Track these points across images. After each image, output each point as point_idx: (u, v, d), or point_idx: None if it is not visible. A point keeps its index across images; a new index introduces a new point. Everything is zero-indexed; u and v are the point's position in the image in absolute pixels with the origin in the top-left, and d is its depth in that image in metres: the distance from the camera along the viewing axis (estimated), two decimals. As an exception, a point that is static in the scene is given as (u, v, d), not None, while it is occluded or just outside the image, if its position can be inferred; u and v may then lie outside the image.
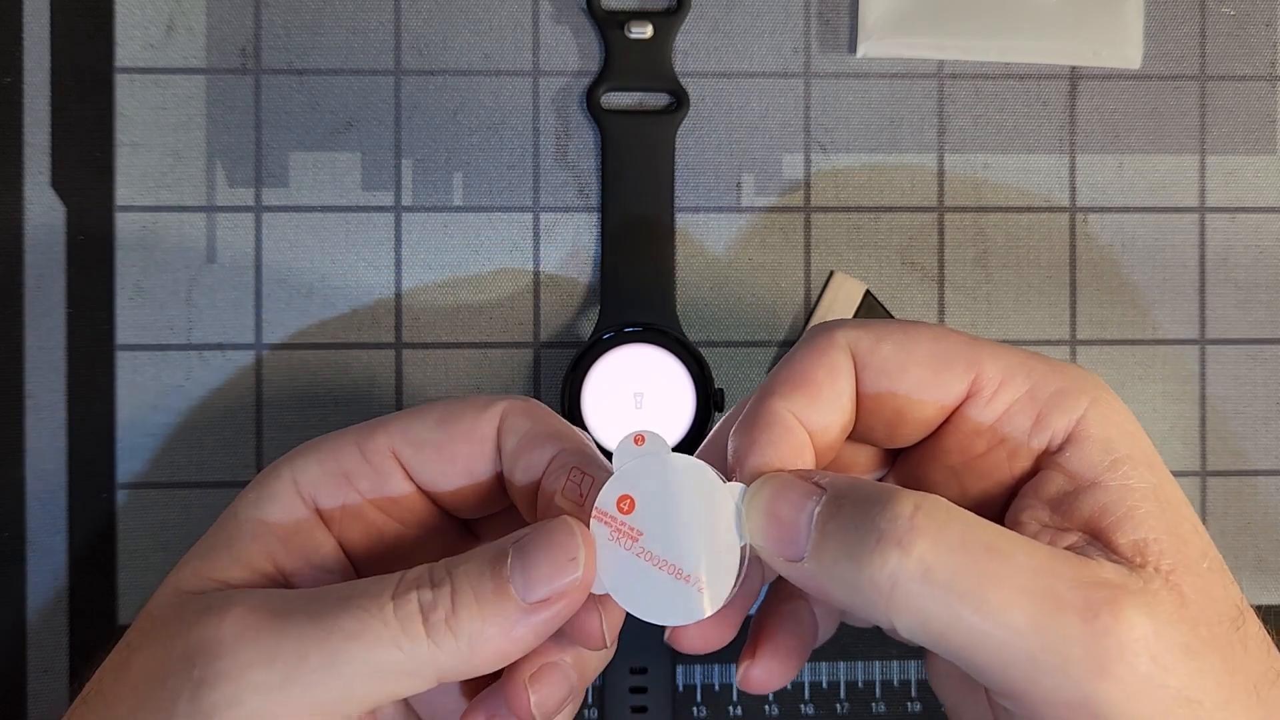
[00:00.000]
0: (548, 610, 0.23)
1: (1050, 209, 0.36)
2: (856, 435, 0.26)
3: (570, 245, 0.35)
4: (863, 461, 0.27)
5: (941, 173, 0.36)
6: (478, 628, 0.23)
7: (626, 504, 0.23)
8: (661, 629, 0.24)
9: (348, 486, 0.27)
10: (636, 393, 0.32)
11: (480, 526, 0.28)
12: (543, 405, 0.27)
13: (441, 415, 0.27)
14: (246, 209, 0.35)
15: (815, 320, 0.29)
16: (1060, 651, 0.21)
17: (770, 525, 0.23)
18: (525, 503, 0.26)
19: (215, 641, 0.23)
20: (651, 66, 0.35)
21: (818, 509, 0.23)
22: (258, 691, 0.22)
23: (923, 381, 0.25)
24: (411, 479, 0.27)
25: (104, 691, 0.24)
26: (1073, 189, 0.36)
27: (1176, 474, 0.36)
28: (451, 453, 0.26)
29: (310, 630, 0.23)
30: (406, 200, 0.35)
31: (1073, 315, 0.36)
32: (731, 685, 0.35)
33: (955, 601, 0.21)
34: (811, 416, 0.25)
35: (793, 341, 0.35)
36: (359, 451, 0.27)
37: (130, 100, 0.34)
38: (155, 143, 0.34)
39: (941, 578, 0.21)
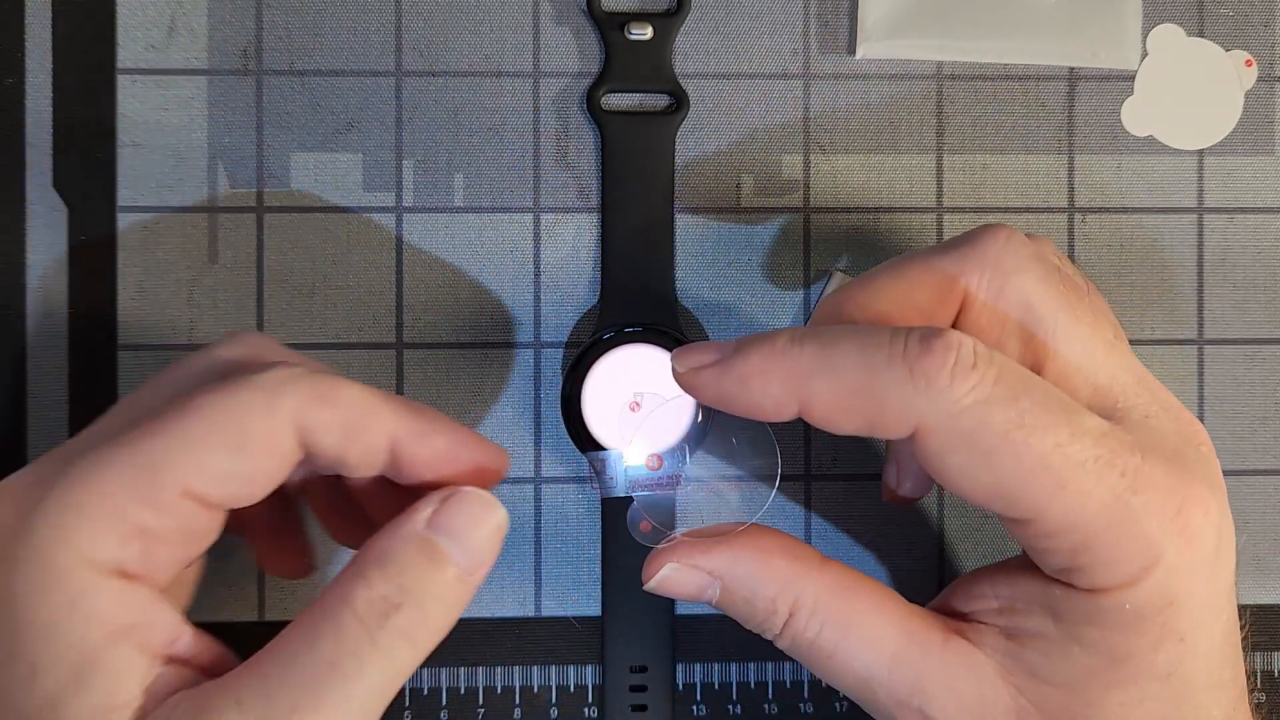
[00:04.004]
0: (484, 573, 0.25)
1: (1048, 209, 0.36)
2: None
3: (570, 245, 0.35)
4: None
5: (940, 173, 0.36)
6: (439, 617, 0.25)
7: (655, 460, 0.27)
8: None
9: (148, 542, 0.24)
10: (636, 393, 0.33)
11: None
12: (310, 361, 0.26)
13: (228, 439, 0.24)
14: (248, 209, 0.35)
15: (815, 320, 0.29)
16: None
17: None
18: (368, 483, 0.27)
19: None
20: (651, 68, 0.35)
21: None
22: None
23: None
24: (211, 504, 0.24)
25: None
26: (1071, 189, 0.36)
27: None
28: (256, 477, 0.24)
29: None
30: (407, 201, 0.35)
31: (1071, 315, 0.36)
32: (731, 684, 0.35)
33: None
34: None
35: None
36: (145, 505, 0.23)
37: (132, 101, 0.34)
38: (157, 143, 0.35)
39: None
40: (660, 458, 0.28)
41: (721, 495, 0.28)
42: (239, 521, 0.28)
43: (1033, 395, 0.24)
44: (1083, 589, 0.25)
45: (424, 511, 0.25)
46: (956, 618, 0.28)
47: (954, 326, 0.27)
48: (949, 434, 0.24)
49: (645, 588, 0.27)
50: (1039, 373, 0.26)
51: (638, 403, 0.29)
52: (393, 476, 0.27)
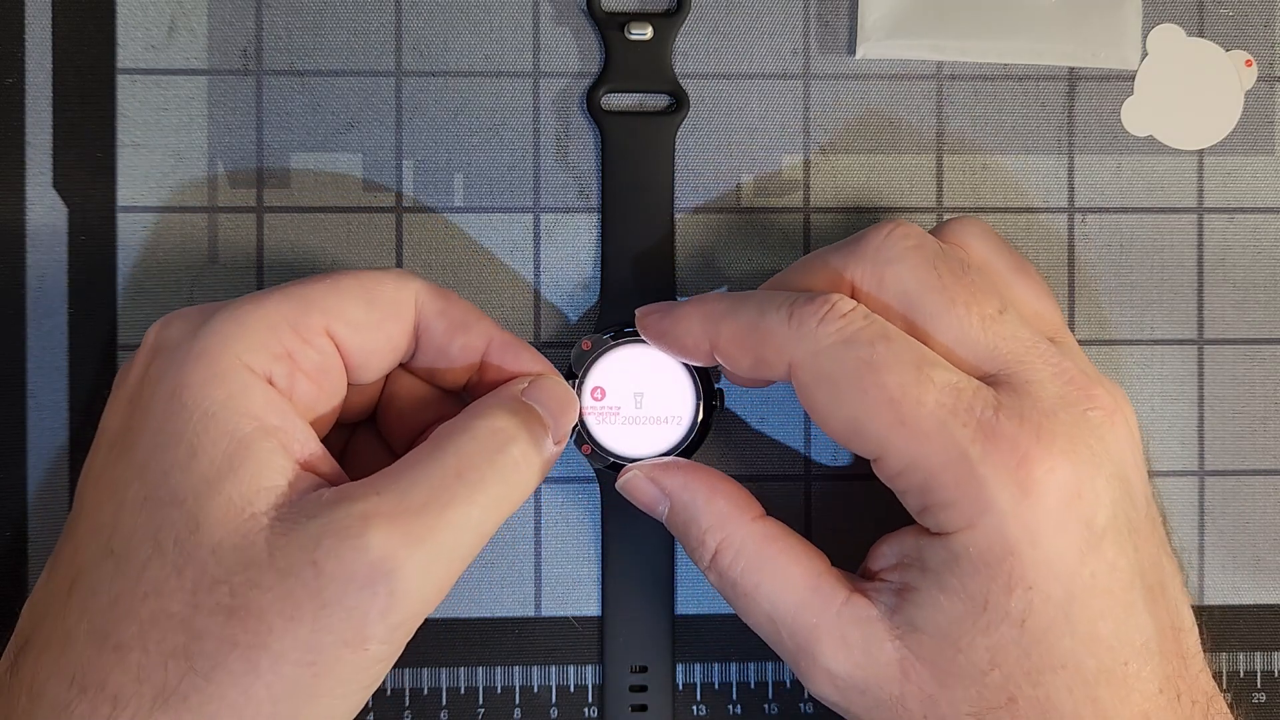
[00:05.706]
0: (559, 450, 0.30)
1: (1048, 209, 0.36)
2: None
3: (570, 245, 0.35)
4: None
5: (940, 173, 0.36)
6: (537, 462, 0.28)
7: (599, 392, 0.32)
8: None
9: (293, 367, 0.27)
10: (636, 393, 0.33)
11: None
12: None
13: (366, 295, 0.28)
14: (248, 209, 0.35)
15: None
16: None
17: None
18: (452, 379, 0.30)
19: (385, 563, 0.25)
20: (651, 68, 0.35)
21: None
22: (438, 589, 0.26)
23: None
24: (345, 351, 0.28)
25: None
26: (1071, 189, 0.36)
27: (1175, 474, 0.36)
28: (383, 334, 0.29)
29: (451, 517, 0.26)
30: (407, 201, 0.35)
31: (1071, 315, 0.36)
32: (731, 684, 0.35)
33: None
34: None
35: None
36: (294, 332, 0.27)
37: (132, 101, 0.34)
38: (157, 143, 0.35)
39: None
40: (603, 390, 0.32)
41: (654, 430, 0.32)
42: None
43: (891, 344, 0.27)
44: (934, 532, 0.28)
45: (518, 384, 0.29)
46: (869, 577, 0.30)
47: None
48: (812, 370, 0.28)
49: (616, 485, 0.32)
50: None
51: (589, 342, 0.32)
52: (473, 388, 0.30)
